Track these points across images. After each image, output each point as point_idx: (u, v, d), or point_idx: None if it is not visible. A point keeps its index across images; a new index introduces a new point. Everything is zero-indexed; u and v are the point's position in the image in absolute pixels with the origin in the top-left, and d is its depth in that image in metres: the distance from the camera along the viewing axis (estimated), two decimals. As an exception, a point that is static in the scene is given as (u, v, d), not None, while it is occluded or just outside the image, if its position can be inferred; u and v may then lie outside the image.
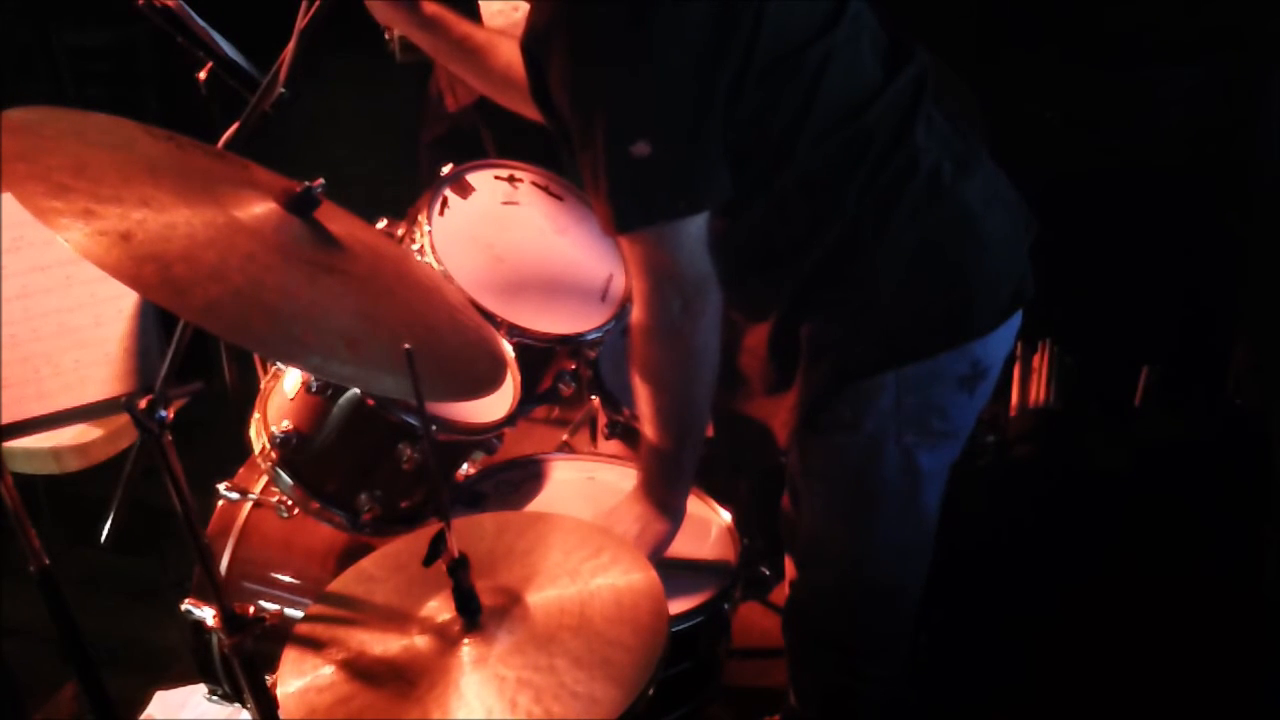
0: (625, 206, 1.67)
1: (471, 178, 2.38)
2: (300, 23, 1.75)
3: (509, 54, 2.02)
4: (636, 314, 1.79)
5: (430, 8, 2.02)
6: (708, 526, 2.13)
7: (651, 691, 1.45)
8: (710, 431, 1.93)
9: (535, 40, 1.70)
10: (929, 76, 1.82)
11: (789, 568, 2.13)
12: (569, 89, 1.66)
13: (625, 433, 2.33)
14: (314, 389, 1.94)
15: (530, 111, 2.01)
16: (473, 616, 1.49)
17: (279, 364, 2.02)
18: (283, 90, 1.76)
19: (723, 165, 1.69)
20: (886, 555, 1.99)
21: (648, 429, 1.89)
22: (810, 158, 1.72)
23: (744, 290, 1.83)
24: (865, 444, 1.85)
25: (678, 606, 1.87)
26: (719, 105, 1.65)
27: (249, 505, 2.13)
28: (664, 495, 1.94)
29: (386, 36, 2.23)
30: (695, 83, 1.63)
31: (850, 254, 1.76)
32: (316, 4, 1.75)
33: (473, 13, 2.54)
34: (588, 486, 2.22)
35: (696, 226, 1.70)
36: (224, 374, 2.25)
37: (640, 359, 1.83)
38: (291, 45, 1.73)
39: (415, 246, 2.20)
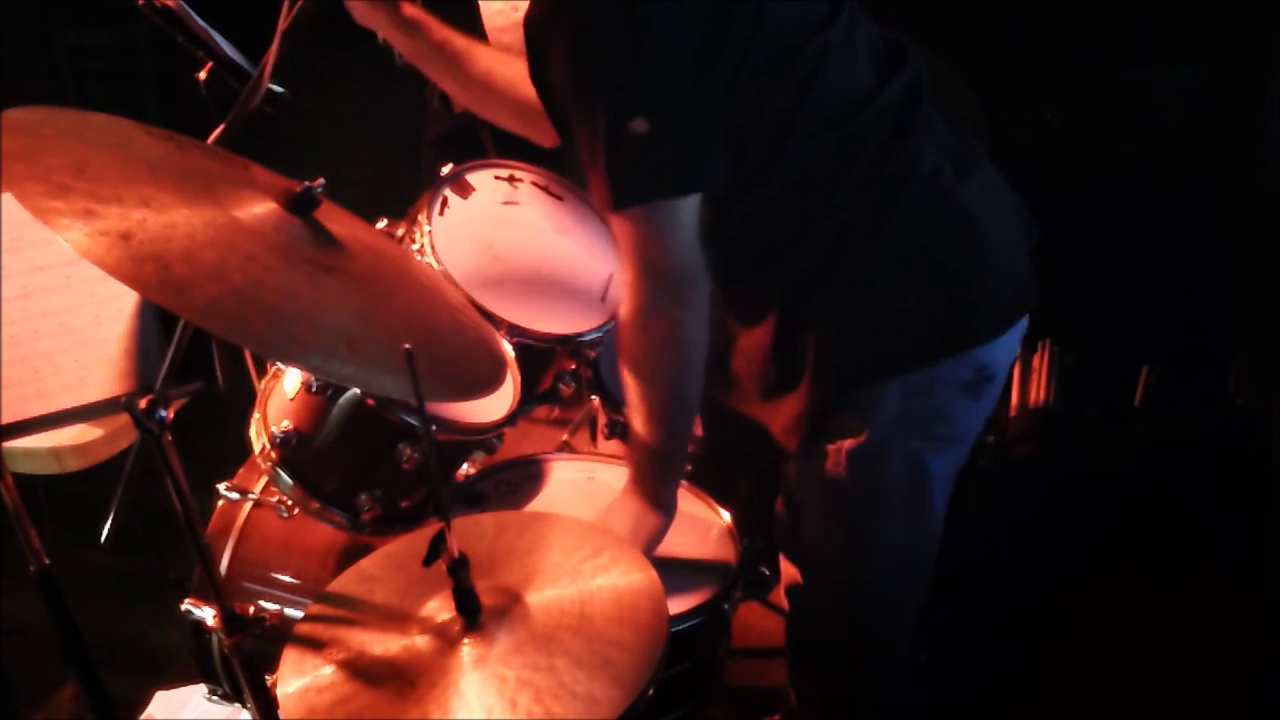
0: (623, 182, 1.68)
1: (471, 177, 2.38)
2: (282, 24, 1.75)
3: (488, 61, 2.03)
4: (624, 305, 1.79)
5: (410, 10, 2.00)
6: (708, 527, 2.13)
7: (651, 692, 1.45)
8: (699, 430, 1.93)
9: (537, 20, 1.71)
10: (925, 81, 1.82)
11: (785, 570, 2.12)
12: (571, 66, 1.67)
13: (625, 433, 2.31)
14: (314, 389, 1.94)
15: (506, 120, 2.05)
16: (473, 616, 1.49)
17: (279, 364, 2.02)
18: (281, 90, 1.77)
19: (719, 149, 1.70)
20: (890, 562, 1.98)
21: (637, 422, 1.89)
22: (802, 155, 1.73)
23: (738, 290, 1.82)
24: (871, 451, 1.84)
25: (678, 607, 1.87)
26: (718, 89, 1.66)
27: (249, 505, 2.13)
28: (655, 489, 1.94)
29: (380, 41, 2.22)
30: (695, 65, 1.64)
31: (844, 257, 1.76)
32: (298, 5, 1.75)
33: (473, 13, 2.54)
34: (588, 486, 2.22)
35: (689, 215, 1.71)
36: (227, 374, 2.24)
37: (628, 350, 1.83)
38: (274, 46, 1.74)
39: (415, 246, 2.20)
